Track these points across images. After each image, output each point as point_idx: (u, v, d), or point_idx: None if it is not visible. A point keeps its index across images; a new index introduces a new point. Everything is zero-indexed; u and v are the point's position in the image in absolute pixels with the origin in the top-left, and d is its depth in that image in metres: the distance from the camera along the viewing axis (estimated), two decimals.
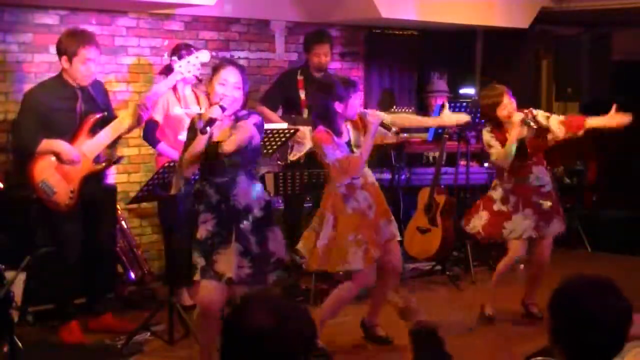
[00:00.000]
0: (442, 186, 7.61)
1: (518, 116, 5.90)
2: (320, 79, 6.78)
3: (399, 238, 5.59)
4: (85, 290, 5.85)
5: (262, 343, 2.06)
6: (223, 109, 4.54)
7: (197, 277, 4.62)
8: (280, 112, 7.26)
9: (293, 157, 6.98)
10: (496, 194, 6.09)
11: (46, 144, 5.40)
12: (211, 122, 4.50)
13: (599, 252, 8.28)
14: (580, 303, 2.22)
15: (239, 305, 2.18)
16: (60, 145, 5.41)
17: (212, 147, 4.58)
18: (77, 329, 5.64)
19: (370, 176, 5.45)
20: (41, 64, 6.65)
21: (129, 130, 5.67)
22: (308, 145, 7.00)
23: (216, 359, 4.71)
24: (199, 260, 4.60)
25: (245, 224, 4.63)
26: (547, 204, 6.05)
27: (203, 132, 4.50)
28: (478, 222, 6.14)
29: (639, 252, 8.31)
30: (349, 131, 5.36)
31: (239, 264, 4.58)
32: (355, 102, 5.33)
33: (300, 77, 7.21)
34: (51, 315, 5.82)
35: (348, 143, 5.33)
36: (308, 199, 7.26)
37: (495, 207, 6.06)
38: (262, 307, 2.12)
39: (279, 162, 6.98)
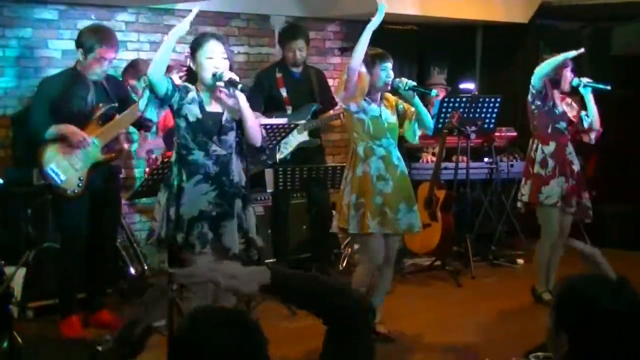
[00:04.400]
0: (442, 181, 7.61)
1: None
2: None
3: (416, 230, 5.57)
4: (86, 285, 5.85)
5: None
6: (237, 82, 4.54)
7: (207, 248, 4.56)
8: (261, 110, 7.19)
9: (281, 154, 6.96)
10: (537, 155, 6.20)
11: (55, 127, 5.45)
12: (235, 83, 4.52)
13: (598, 247, 8.26)
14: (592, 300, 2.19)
15: (193, 322, 2.02)
16: (68, 127, 5.44)
17: (215, 114, 4.60)
18: (77, 324, 5.65)
19: (397, 160, 5.47)
20: (40, 59, 6.65)
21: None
22: (295, 141, 6.98)
23: None
24: (207, 232, 4.56)
25: (238, 202, 4.67)
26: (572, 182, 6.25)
27: (244, 89, 4.53)
28: (527, 189, 6.27)
29: (638, 247, 8.32)
30: (380, 108, 5.44)
31: (237, 239, 4.63)
32: (382, 73, 5.38)
33: (279, 75, 7.14)
34: (52, 310, 5.82)
35: (379, 117, 5.41)
36: (296, 195, 7.24)
37: (535, 169, 6.17)
38: (220, 322, 2.01)
39: (268, 162, 6.89)
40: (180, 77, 4.76)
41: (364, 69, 5.32)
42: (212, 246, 4.58)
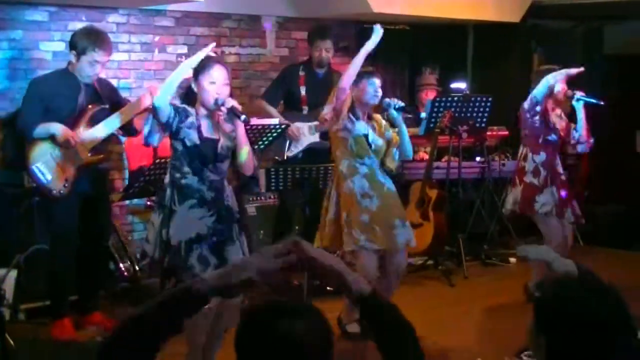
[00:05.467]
0: (434, 180, 7.61)
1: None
2: None
3: (412, 245, 5.66)
4: (78, 287, 5.84)
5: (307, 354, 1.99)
6: (239, 111, 4.54)
7: (209, 271, 4.46)
8: (281, 107, 7.24)
9: (290, 152, 6.97)
10: (527, 165, 6.20)
11: (43, 126, 5.42)
12: (236, 113, 4.53)
13: (591, 246, 8.29)
14: (570, 302, 2.21)
15: (269, 307, 2.05)
16: (55, 126, 5.41)
17: (211, 142, 4.59)
18: (69, 326, 5.63)
19: (384, 178, 5.51)
20: (31, 61, 6.63)
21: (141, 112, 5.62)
22: (306, 141, 7.00)
23: (206, 355, 4.72)
24: (207, 255, 4.53)
25: (235, 227, 4.68)
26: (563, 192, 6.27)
27: (246, 120, 4.53)
28: (513, 197, 6.27)
29: (630, 246, 8.34)
30: (367, 127, 5.46)
31: None
32: (369, 88, 5.40)
33: (302, 73, 7.20)
34: (44, 312, 5.81)
35: (365, 136, 5.43)
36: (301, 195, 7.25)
37: (527, 179, 6.17)
38: (291, 314, 2.03)
39: (276, 158, 6.95)
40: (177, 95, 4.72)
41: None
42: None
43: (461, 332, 5.88)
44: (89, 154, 5.56)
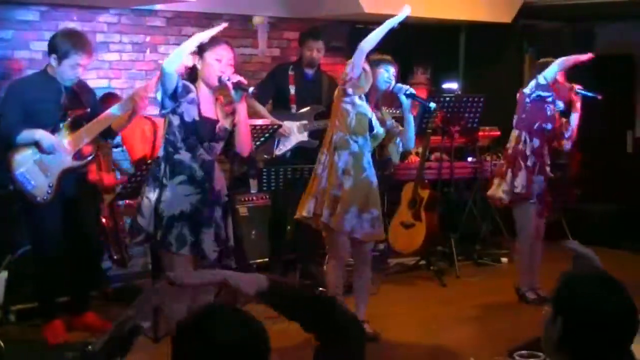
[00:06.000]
0: (426, 181, 7.62)
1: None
2: None
3: (354, 235, 5.43)
4: (69, 289, 5.81)
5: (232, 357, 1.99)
6: (245, 85, 4.54)
7: (185, 250, 4.55)
8: (269, 106, 7.24)
9: (279, 151, 6.97)
10: (527, 148, 6.25)
11: (26, 132, 5.34)
12: (242, 86, 4.53)
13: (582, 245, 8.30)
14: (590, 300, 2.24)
15: (206, 314, 2.06)
16: (39, 132, 5.35)
17: (210, 121, 4.59)
18: (60, 328, 5.60)
19: (367, 164, 5.45)
20: (22, 61, 6.61)
21: (125, 123, 5.58)
22: (294, 140, 6.99)
23: None
24: (187, 234, 4.55)
25: (218, 210, 4.67)
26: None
27: (254, 93, 4.57)
28: (520, 180, 6.24)
29: (621, 245, 8.35)
30: (373, 113, 5.47)
31: (213, 247, 4.64)
32: (383, 72, 5.47)
33: (291, 73, 7.21)
34: (34, 313, 5.78)
35: (369, 120, 5.43)
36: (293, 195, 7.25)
37: (529, 162, 6.22)
38: (231, 319, 2.04)
39: (265, 156, 6.96)
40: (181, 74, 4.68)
41: (368, 67, 5.38)
42: (191, 248, 4.57)
43: (453, 332, 5.88)
44: (72, 159, 5.52)
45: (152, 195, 4.61)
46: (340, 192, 5.32)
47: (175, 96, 4.51)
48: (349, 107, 5.36)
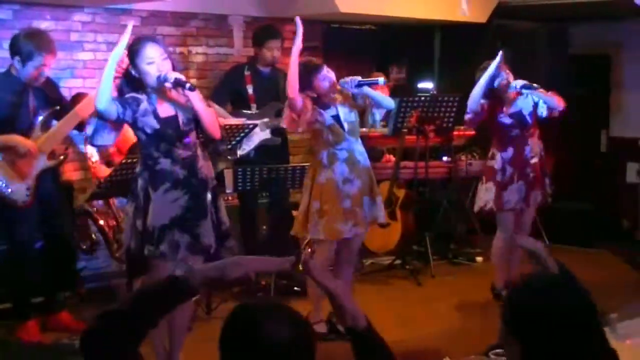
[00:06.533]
0: (402, 180, 7.63)
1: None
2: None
3: (380, 221, 5.70)
4: (43, 289, 5.77)
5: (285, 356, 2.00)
6: (183, 81, 4.49)
7: (180, 254, 4.51)
8: (229, 107, 7.21)
9: (242, 151, 6.95)
10: (496, 164, 6.17)
11: (1, 138, 5.30)
12: (182, 83, 4.46)
13: (556, 244, 8.35)
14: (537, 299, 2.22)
15: (250, 315, 2.05)
16: (14, 138, 5.31)
17: (171, 120, 4.54)
18: (34, 329, 5.57)
19: (361, 155, 5.53)
20: None
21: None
22: (257, 139, 6.98)
23: (172, 351, 4.70)
24: (181, 237, 4.51)
25: (208, 196, 4.64)
26: (532, 175, 6.24)
27: (192, 88, 4.47)
28: (487, 195, 6.22)
29: (595, 244, 8.42)
30: (337, 107, 5.48)
31: (212, 236, 4.63)
32: (322, 82, 5.42)
33: (247, 73, 7.21)
34: (8, 314, 5.74)
35: (337, 117, 5.44)
36: (264, 194, 7.23)
37: (499, 177, 6.17)
38: (277, 317, 2.04)
39: (228, 157, 6.90)
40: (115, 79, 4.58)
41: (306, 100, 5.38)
42: (189, 248, 4.54)
43: (429, 331, 5.89)
44: (47, 159, 5.47)
45: (130, 212, 4.59)
46: (351, 200, 5.43)
47: (120, 121, 4.47)
48: (318, 126, 5.43)
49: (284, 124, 5.53)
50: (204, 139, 4.69)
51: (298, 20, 5.38)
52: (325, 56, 8.74)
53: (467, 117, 6.26)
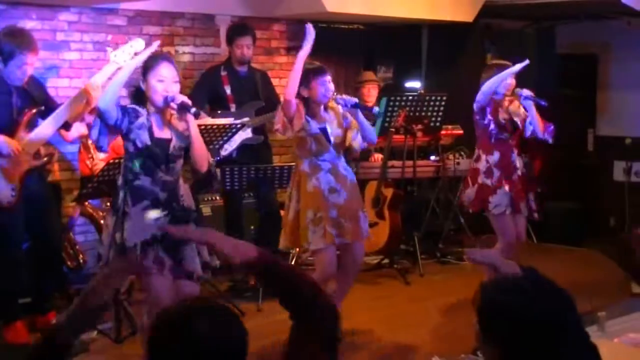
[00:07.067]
0: (390, 179, 7.63)
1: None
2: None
3: (363, 237, 5.65)
4: (31, 290, 5.75)
5: (208, 352, 1.99)
6: (189, 105, 4.49)
7: (165, 272, 4.45)
8: (207, 109, 7.17)
9: (225, 151, 6.93)
10: (481, 166, 6.15)
11: None
12: (187, 107, 4.46)
13: (544, 243, 8.38)
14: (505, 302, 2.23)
15: (181, 312, 2.06)
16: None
17: (163, 142, 4.52)
18: (22, 329, 5.55)
19: (345, 170, 5.53)
20: None
21: (79, 115, 5.52)
22: (239, 139, 6.96)
23: None
24: (164, 258, 4.45)
25: (191, 225, 4.60)
26: (518, 183, 6.17)
27: (196, 114, 4.49)
28: (467, 197, 6.24)
29: (582, 242, 8.44)
30: (325, 121, 5.46)
31: (195, 261, 4.58)
32: (320, 87, 5.38)
33: (223, 73, 7.19)
34: None
35: (324, 130, 5.42)
36: (249, 195, 7.22)
37: (480, 179, 6.13)
38: (209, 317, 2.03)
39: (210, 159, 6.86)
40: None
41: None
42: (171, 271, 4.49)
43: (417, 330, 5.89)
44: (33, 159, 5.44)
45: (111, 224, 4.54)
46: (337, 211, 5.39)
47: (116, 127, 4.46)
48: (303, 134, 5.40)
49: (277, 126, 5.48)
50: (189, 168, 4.68)
51: (309, 26, 5.34)
52: (312, 56, 8.74)
53: (476, 105, 6.16)
